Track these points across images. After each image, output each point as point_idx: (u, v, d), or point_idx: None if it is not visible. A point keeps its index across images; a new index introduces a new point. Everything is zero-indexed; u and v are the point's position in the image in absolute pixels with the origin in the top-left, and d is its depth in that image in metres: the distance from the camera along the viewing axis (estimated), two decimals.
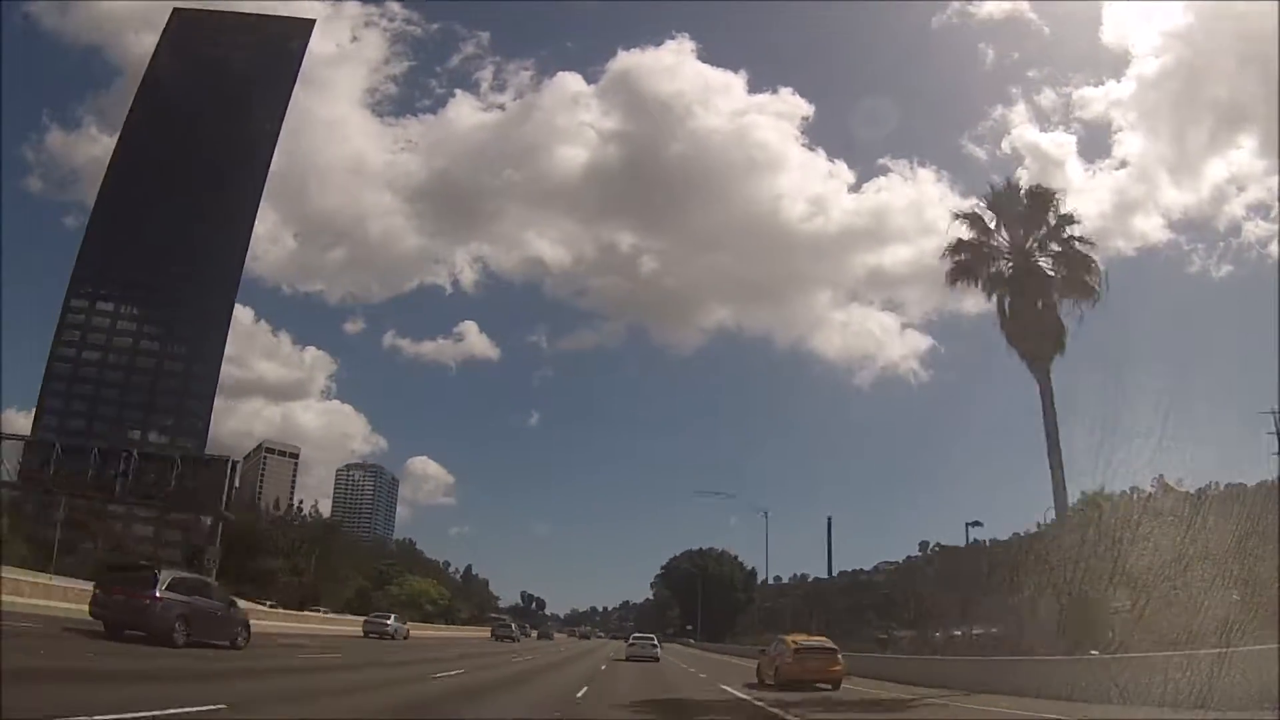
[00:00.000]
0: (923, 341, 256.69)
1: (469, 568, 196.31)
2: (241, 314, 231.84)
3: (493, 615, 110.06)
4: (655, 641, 47.48)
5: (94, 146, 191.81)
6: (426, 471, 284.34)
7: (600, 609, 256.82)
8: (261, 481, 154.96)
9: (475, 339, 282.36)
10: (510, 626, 78.39)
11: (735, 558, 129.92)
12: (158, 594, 20.51)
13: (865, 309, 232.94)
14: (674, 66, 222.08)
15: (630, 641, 47.63)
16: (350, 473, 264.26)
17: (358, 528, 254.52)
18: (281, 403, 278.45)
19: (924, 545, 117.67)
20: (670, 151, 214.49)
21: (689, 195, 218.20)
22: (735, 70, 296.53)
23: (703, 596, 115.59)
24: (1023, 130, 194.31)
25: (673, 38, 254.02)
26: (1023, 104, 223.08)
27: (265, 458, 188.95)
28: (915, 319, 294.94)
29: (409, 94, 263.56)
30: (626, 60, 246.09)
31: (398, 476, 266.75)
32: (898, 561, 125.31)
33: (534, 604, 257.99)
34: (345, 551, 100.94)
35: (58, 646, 17.97)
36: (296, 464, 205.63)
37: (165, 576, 21.30)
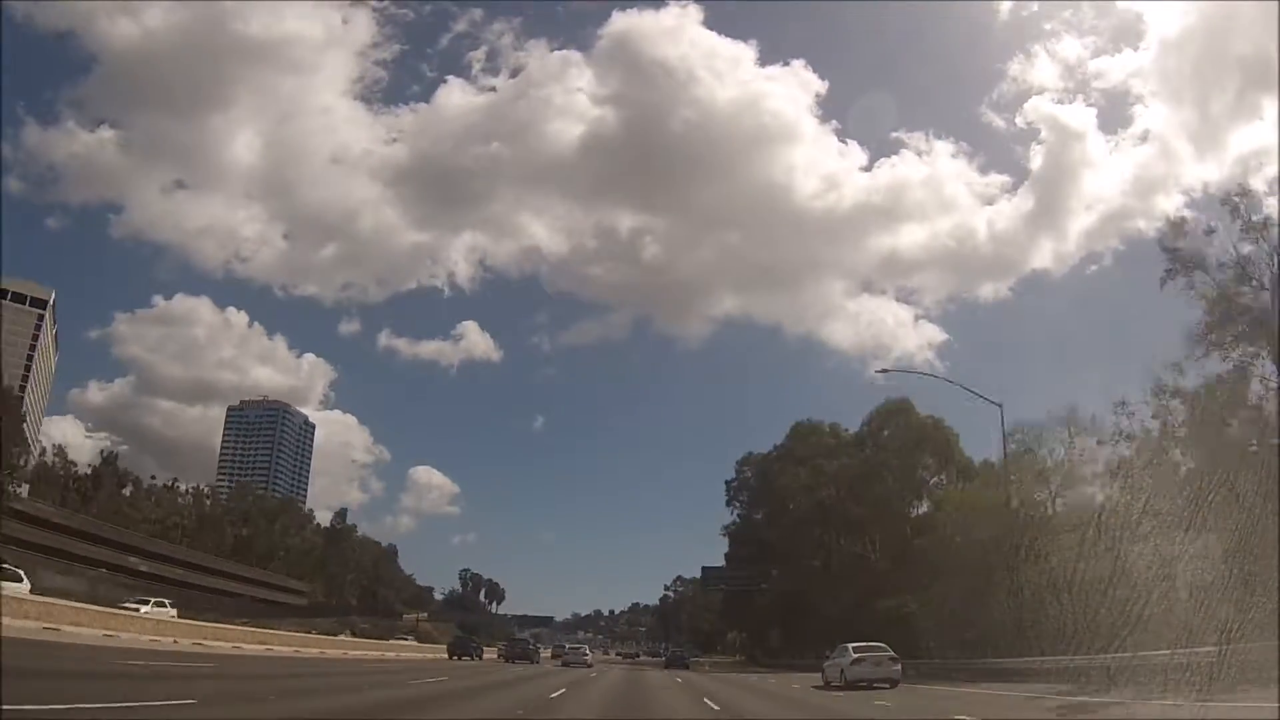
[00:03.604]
0: (938, 335, 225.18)
1: (342, 512, 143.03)
2: (235, 317, 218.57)
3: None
4: (893, 654, 35.13)
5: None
6: (430, 481, 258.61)
7: (606, 612, 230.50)
8: None
9: (476, 338, 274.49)
10: (529, 644, 78.02)
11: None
12: None
13: (878, 299, 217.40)
14: (676, 30, 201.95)
15: (857, 655, 35.24)
16: (245, 412, 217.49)
17: (251, 483, 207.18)
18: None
19: None
20: (672, 121, 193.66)
21: (692, 169, 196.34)
22: (745, 40, 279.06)
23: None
24: (1040, 101, 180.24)
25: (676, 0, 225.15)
26: (1044, 56, 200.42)
27: None
28: (929, 308, 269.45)
29: (399, 79, 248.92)
30: (623, 21, 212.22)
31: (313, 421, 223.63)
32: None
33: (484, 593, 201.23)
34: None
35: None
36: (42, 316, 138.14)
37: None
